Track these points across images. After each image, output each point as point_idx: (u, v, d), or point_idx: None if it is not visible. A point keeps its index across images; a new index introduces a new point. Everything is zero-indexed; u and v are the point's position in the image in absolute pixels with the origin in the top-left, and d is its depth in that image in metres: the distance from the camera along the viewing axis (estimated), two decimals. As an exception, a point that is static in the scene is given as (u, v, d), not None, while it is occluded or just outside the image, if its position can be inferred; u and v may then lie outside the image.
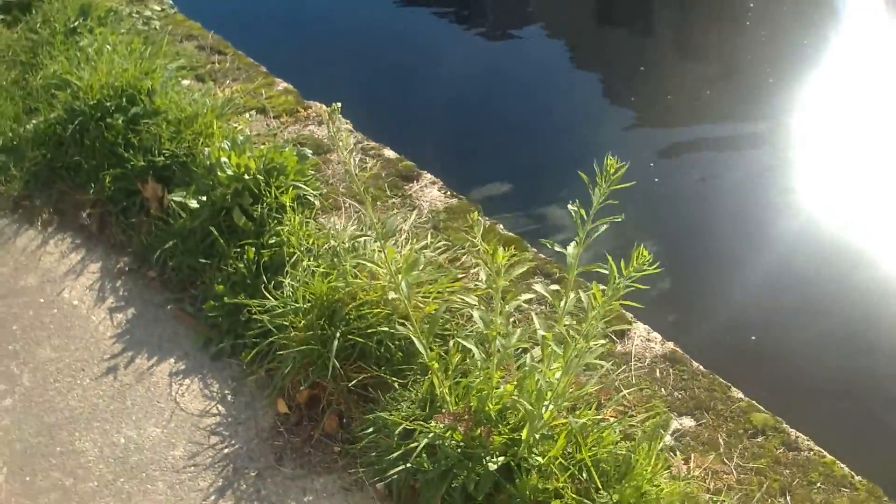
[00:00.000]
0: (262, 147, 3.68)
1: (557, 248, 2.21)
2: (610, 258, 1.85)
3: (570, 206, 2.06)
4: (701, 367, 2.55)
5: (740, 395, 2.48)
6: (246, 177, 3.44)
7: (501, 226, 3.25)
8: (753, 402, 2.43)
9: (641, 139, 4.83)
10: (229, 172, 3.49)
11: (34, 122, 4.57)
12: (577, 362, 1.97)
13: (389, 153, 4.03)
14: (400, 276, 2.49)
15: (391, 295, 2.71)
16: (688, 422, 2.38)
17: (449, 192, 3.46)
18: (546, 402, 2.07)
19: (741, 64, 5.38)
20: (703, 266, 3.80)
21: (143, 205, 3.65)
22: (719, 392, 2.45)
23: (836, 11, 5.87)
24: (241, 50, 5.13)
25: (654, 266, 1.79)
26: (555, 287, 2.51)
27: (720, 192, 4.29)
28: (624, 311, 2.71)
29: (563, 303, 2.41)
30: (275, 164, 3.53)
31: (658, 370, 2.56)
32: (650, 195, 4.19)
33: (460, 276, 3.05)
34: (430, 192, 3.50)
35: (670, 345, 2.66)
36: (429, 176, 3.63)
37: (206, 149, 3.73)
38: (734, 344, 3.33)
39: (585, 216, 2.00)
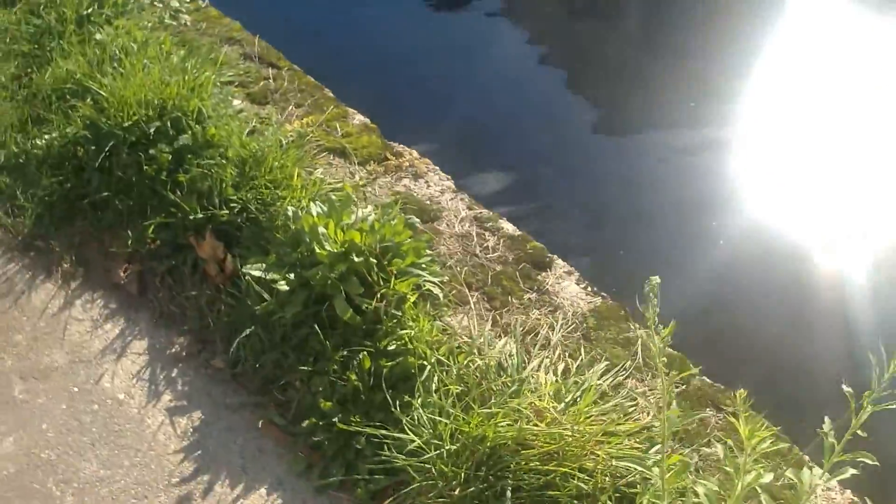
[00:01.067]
0: (368, 211, 3.21)
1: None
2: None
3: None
4: None
5: None
6: (355, 258, 2.96)
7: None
8: None
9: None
10: (330, 248, 3.00)
11: (46, 136, 4.02)
12: None
13: (507, 226, 3.58)
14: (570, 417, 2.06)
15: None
16: None
17: (590, 288, 3.06)
18: None
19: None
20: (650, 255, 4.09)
21: (198, 265, 3.16)
22: None
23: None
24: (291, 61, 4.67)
25: None
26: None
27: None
28: None
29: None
30: (388, 241, 3.06)
31: None
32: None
33: (629, 407, 2.64)
34: (569, 287, 3.10)
35: None
36: (561, 263, 3.23)
37: (290, 208, 3.24)
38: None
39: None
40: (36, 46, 4.69)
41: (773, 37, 5.80)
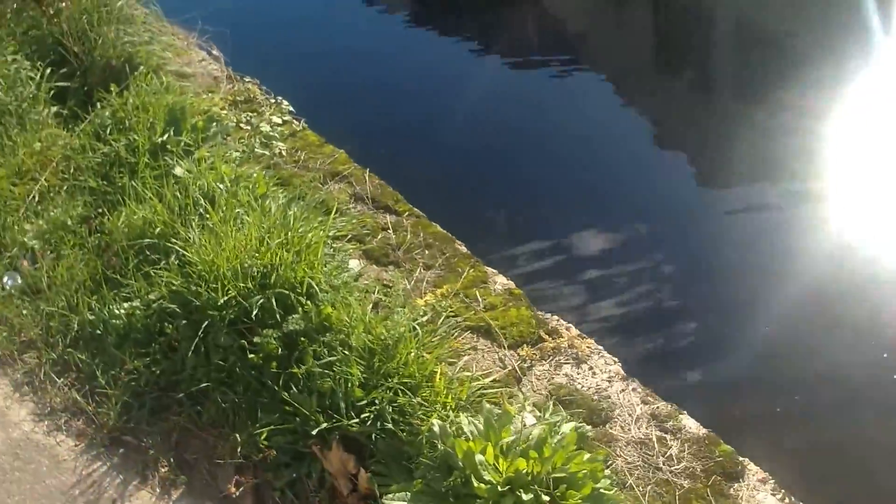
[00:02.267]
0: (530, 423, 2.73)
1: None
2: None
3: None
4: None
5: None
6: (523, 495, 2.49)
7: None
8: None
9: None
10: (491, 479, 2.54)
11: (126, 304, 3.64)
12: None
13: (689, 423, 3.10)
14: None
15: None
16: None
17: (788, 500, 2.58)
18: None
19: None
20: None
21: (324, 478, 2.71)
22: None
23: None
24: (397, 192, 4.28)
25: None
26: None
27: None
28: None
29: None
30: (560, 470, 2.58)
31: None
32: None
33: None
34: (766, 501, 2.62)
35: None
36: (753, 469, 2.87)
37: (436, 422, 2.77)
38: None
39: None
40: (104, 181, 4.34)
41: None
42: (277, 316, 3.08)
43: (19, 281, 3.81)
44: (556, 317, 3.40)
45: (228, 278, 3.13)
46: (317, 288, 3.12)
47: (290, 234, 3.33)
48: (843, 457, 3.58)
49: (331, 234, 3.52)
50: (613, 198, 5.21)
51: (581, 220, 4.99)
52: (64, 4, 5.21)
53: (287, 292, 3.11)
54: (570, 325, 3.45)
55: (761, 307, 4.24)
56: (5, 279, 3.83)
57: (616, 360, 3.20)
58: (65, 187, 4.32)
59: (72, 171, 4.37)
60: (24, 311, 3.66)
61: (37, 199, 4.24)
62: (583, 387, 3.02)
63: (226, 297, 3.08)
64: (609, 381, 3.06)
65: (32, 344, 3.51)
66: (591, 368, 3.11)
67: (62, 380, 3.31)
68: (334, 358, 2.85)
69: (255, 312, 3.07)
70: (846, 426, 3.67)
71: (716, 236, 4.87)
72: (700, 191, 5.39)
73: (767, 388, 3.93)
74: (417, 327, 2.99)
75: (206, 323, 3.12)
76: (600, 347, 3.22)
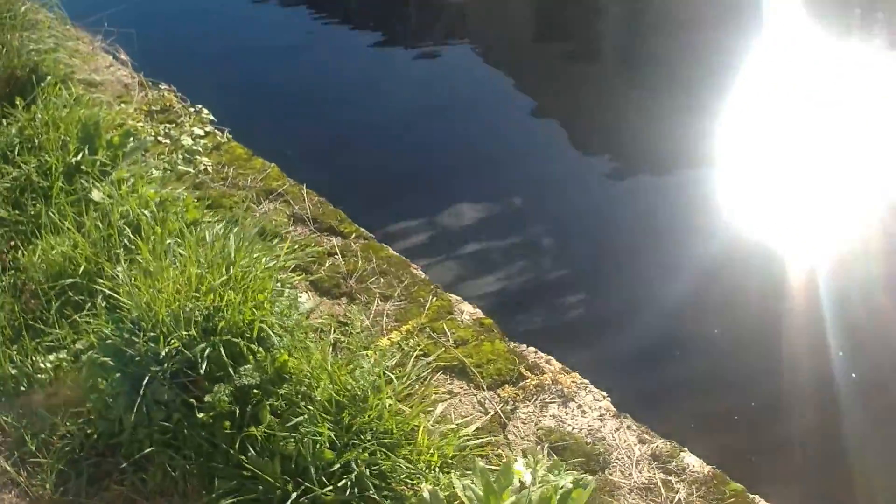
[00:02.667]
0: (528, 481, 2.56)
1: None
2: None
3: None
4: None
5: None
6: None
7: None
8: None
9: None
10: None
11: (52, 356, 3.37)
12: None
13: (692, 460, 2.93)
14: None
15: None
16: None
17: None
18: None
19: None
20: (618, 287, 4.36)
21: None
22: None
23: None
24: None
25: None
26: None
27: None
28: None
29: None
30: None
31: None
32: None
33: None
34: None
35: None
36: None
37: (426, 488, 2.58)
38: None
39: None
40: (15, 210, 4.02)
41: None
42: (227, 367, 2.83)
43: (-74, 330, 3.48)
44: (532, 348, 3.19)
45: (168, 325, 2.87)
46: (269, 332, 2.88)
47: (232, 268, 3.07)
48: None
49: (274, 262, 3.26)
50: (498, 172, 5.31)
51: (467, 195, 5.07)
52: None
53: (235, 339, 2.86)
54: (550, 357, 3.25)
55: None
56: None
57: (605, 394, 3.02)
58: (-32, 220, 3.95)
59: (-24, 199, 4.00)
60: (-68, 367, 3.32)
61: (-63, 234, 3.87)
62: (574, 429, 2.85)
63: (167, 349, 2.81)
64: (601, 420, 2.90)
65: (-56, 404, 3.19)
66: (579, 406, 2.94)
67: (-16, 447, 3.00)
68: (298, 415, 2.63)
69: (201, 364, 2.81)
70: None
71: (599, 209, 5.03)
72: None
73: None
74: (391, 375, 2.78)
75: (146, 377, 2.83)
76: (587, 381, 3.09)
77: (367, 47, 7.06)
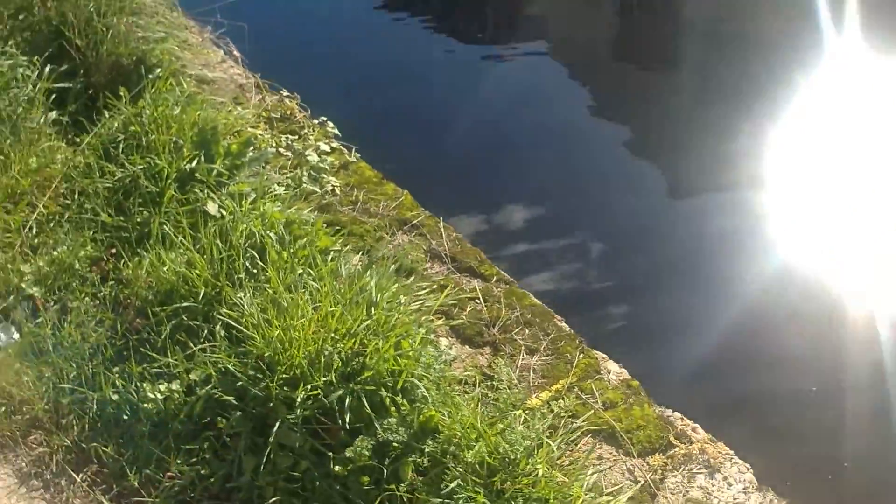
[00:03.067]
0: None
1: None
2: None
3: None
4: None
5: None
6: None
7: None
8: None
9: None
10: None
11: (162, 386, 3.24)
12: None
13: None
14: None
15: None
16: None
17: None
18: None
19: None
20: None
21: None
22: None
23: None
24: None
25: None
26: None
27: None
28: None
29: None
30: None
31: None
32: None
33: None
34: None
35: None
36: None
37: None
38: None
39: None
40: (118, 214, 3.90)
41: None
42: (368, 418, 2.68)
43: (15, 336, 3.38)
44: (678, 414, 3.27)
45: (304, 368, 2.71)
46: (417, 384, 2.72)
47: (374, 310, 2.92)
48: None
49: (416, 303, 3.12)
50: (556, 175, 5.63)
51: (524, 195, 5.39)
52: (65, -15, 4.73)
53: (378, 389, 2.71)
54: (697, 425, 3.27)
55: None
56: (-2, 333, 3.39)
57: (749, 466, 3.05)
58: (66, 216, 3.85)
59: (76, 196, 3.90)
60: (25, 378, 3.21)
61: (34, 230, 3.77)
62: (720, 501, 2.88)
63: (301, 394, 2.66)
64: (745, 493, 2.93)
65: (38, 423, 3.10)
66: (725, 478, 2.98)
67: (81, 475, 2.88)
68: (445, 475, 2.48)
69: (341, 413, 2.67)
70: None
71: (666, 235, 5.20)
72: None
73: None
74: (545, 439, 2.63)
75: (277, 422, 2.69)
76: (731, 452, 3.14)
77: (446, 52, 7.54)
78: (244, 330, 2.93)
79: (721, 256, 4.88)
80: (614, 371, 3.31)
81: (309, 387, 2.73)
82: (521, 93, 6.70)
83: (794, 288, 4.58)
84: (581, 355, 3.36)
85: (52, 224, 3.89)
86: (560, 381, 3.19)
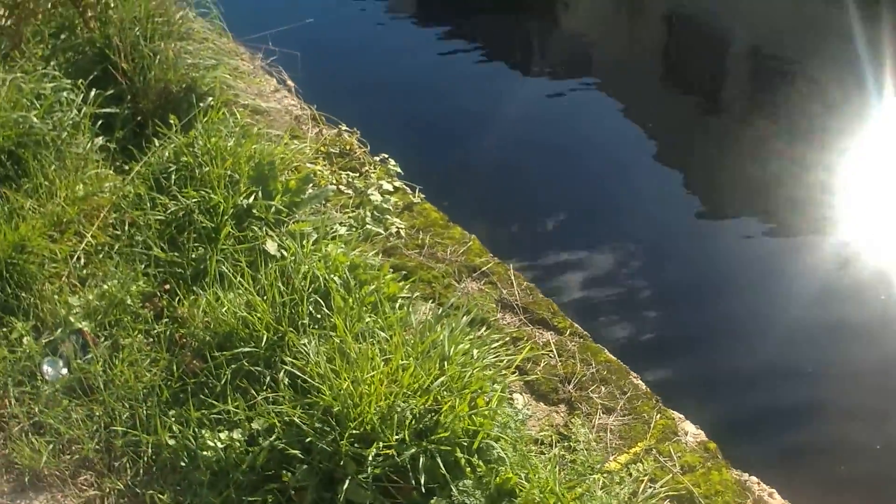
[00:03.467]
0: None
1: None
2: None
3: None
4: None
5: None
6: None
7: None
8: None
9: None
10: None
11: (222, 434, 3.32)
12: None
13: None
14: None
15: None
16: None
17: None
18: None
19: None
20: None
21: None
22: None
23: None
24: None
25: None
26: None
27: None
28: None
29: None
30: None
31: None
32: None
33: None
34: None
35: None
36: None
37: None
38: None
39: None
40: (171, 249, 4.01)
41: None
42: (443, 478, 2.76)
43: (63, 371, 3.47)
44: (755, 479, 3.35)
45: (375, 424, 2.80)
46: (493, 445, 2.80)
47: (447, 364, 3.00)
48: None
49: (489, 358, 3.20)
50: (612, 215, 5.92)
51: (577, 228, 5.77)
52: (112, 8, 4.86)
53: (453, 449, 2.79)
54: (773, 490, 3.35)
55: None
56: (45, 367, 3.49)
57: None
58: (116, 247, 3.95)
59: (125, 227, 4.00)
60: (74, 416, 3.30)
61: (82, 261, 3.88)
62: None
63: (374, 452, 2.75)
64: None
65: (88, 463, 3.18)
66: None
67: (136, 524, 2.96)
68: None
69: (414, 472, 2.75)
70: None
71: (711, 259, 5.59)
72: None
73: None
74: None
75: (345, 477, 2.77)
76: None
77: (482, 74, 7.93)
78: (310, 380, 3.00)
79: (777, 295, 5.13)
80: (691, 432, 3.43)
81: (381, 444, 2.78)
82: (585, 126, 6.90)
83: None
84: (658, 415, 3.42)
85: (100, 255, 3.98)
86: (638, 444, 3.26)
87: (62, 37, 5.04)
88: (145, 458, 3.16)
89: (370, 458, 2.81)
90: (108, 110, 4.61)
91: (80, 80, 4.59)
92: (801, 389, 4.69)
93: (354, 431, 2.86)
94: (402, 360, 3.01)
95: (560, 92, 7.57)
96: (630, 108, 7.12)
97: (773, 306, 5.04)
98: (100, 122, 4.56)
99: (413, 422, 2.89)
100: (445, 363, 3.04)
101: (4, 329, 3.61)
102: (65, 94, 4.51)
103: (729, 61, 8.46)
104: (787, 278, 5.24)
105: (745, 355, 4.71)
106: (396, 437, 2.83)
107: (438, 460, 2.82)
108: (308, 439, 2.92)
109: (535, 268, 5.02)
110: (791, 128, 6.83)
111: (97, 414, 3.32)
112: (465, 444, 2.87)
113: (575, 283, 5.10)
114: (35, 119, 4.29)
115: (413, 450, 2.84)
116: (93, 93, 4.52)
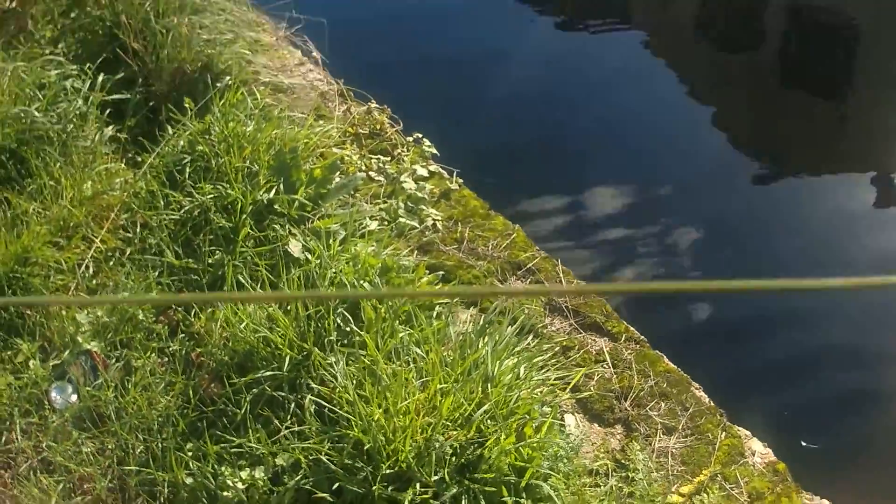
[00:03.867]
0: None
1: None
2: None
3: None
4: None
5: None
6: None
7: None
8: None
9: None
10: None
11: (244, 472, 3.05)
12: None
13: None
14: None
15: None
16: None
17: None
18: None
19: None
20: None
21: None
22: None
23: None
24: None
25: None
26: None
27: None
28: None
29: None
30: None
31: None
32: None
33: None
34: None
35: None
36: None
37: None
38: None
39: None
40: (187, 254, 3.72)
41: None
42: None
43: (73, 398, 3.23)
44: (826, 502, 3.15)
45: (411, 462, 2.51)
46: (542, 484, 2.51)
47: (490, 387, 2.69)
48: None
49: (537, 377, 2.89)
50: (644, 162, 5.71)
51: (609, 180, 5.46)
52: (119, -18, 4.55)
53: (497, 488, 2.50)
54: None
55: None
56: (53, 394, 3.24)
57: None
58: (127, 253, 3.68)
59: (137, 229, 3.72)
60: (85, 450, 3.05)
61: (91, 270, 3.61)
62: None
63: (413, 495, 2.46)
64: None
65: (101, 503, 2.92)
66: None
67: (153, 572, 2.72)
68: None
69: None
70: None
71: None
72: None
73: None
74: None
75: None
76: None
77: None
78: (337, 409, 2.72)
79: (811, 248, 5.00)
80: (759, 452, 3.21)
81: (418, 486, 2.50)
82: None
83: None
84: (723, 434, 3.16)
85: (111, 263, 3.74)
86: (703, 472, 2.98)
87: (72, 15, 4.72)
88: (161, 499, 2.87)
89: (406, 502, 2.50)
90: (118, 96, 4.27)
91: (88, 65, 4.27)
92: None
93: (388, 472, 2.57)
94: (440, 383, 2.70)
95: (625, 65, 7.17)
96: (694, 91, 6.70)
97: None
98: (109, 111, 4.20)
99: (453, 458, 2.58)
100: (489, 385, 2.74)
101: (9, 352, 3.33)
102: (70, 81, 4.20)
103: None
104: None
105: (812, 343, 4.40)
106: (435, 476, 2.52)
107: (482, 501, 2.52)
108: (337, 481, 2.60)
109: (583, 260, 4.68)
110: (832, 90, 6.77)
111: (109, 447, 3.08)
112: (513, 482, 2.57)
113: (626, 273, 4.74)
114: (37, 114, 3.98)
115: (454, 490, 2.57)
116: (101, 78, 4.18)
